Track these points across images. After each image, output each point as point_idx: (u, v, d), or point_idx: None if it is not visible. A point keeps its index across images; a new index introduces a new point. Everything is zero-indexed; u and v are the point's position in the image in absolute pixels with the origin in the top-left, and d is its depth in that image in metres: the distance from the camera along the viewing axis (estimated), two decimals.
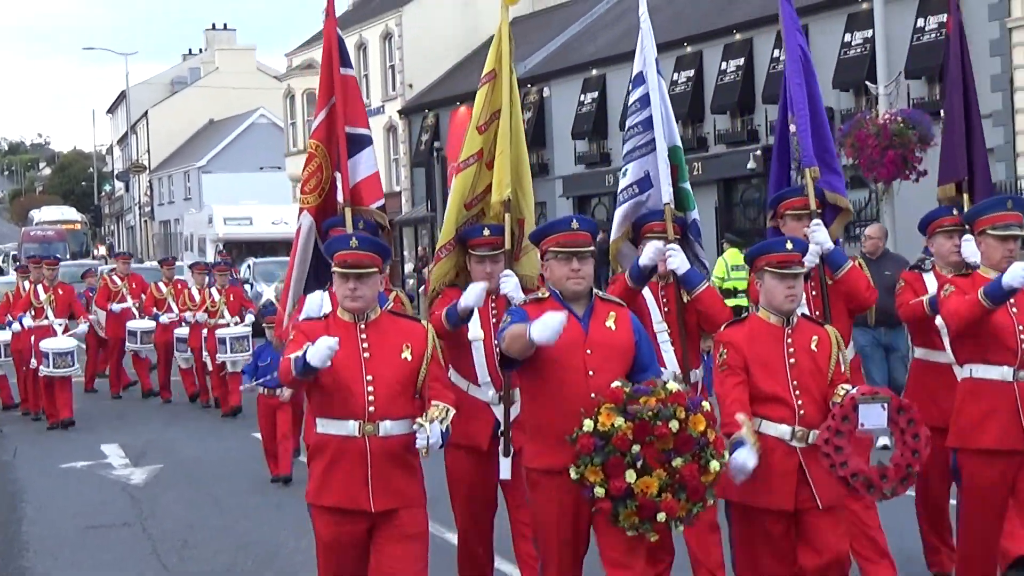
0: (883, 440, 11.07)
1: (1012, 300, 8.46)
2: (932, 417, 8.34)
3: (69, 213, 79.24)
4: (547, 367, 7.26)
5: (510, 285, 8.62)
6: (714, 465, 6.92)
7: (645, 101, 9.77)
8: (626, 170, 9.89)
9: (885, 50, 29.81)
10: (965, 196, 10.23)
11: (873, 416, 7.42)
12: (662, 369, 8.06)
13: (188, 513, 15.02)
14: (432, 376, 7.41)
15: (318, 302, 8.78)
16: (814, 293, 9.59)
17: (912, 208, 27.49)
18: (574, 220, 7.73)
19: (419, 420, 7.05)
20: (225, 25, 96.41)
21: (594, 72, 47.85)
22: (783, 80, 10.83)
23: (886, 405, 7.49)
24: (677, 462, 6.79)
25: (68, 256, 56.79)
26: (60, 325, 21.60)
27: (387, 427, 7.21)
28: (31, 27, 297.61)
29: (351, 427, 7.20)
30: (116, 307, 25.17)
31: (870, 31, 32.77)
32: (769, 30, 39.37)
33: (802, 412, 7.68)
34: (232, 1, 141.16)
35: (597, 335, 7.40)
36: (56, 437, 20.35)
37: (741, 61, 41.46)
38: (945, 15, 34.93)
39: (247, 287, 34.81)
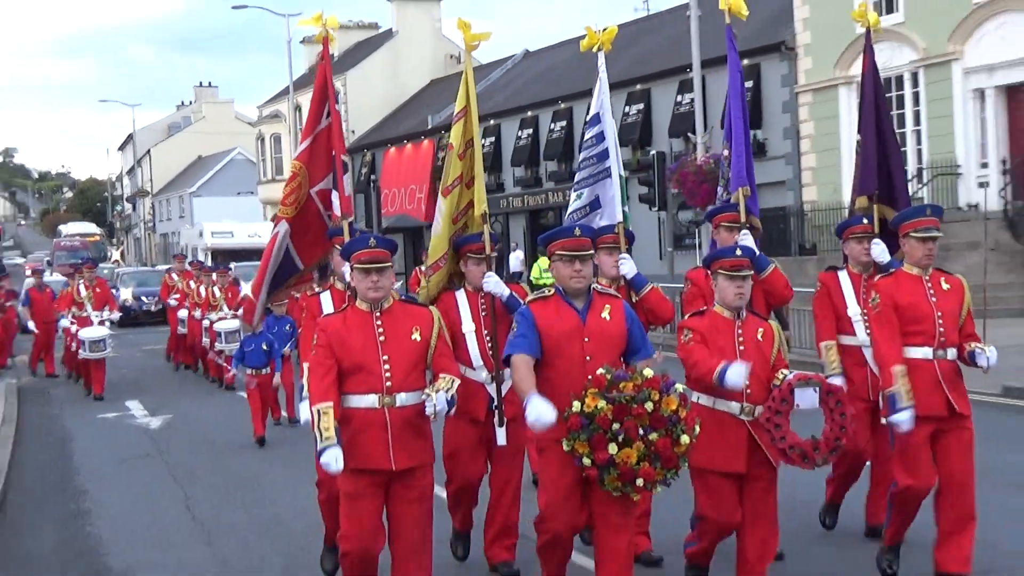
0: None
1: (932, 291, 7.96)
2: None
3: (90, 227, 78.66)
4: (552, 354, 6.84)
5: (491, 283, 8.19)
6: (684, 439, 6.53)
7: (600, 138, 9.22)
8: (581, 194, 9.39)
9: (702, 109, 30.29)
10: (875, 207, 9.48)
11: (807, 398, 7.09)
12: (654, 349, 7.45)
13: (193, 450, 15.35)
14: (439, 352, 6.98)
15: (327, 302, 8.33)
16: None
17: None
18: (577, 228, 7.19)
19: (427, 391, 6.73)
20: (210, 83, 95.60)
21: (492, 122, 47.56)
22: (727, 113, 10.13)
23: (818, 389, 7.16)
24: (652, 436, 6.42)
25: (90, 260, 56.53)
26: (97, 317, 20.92)
27: (402, 398, 6.78)
28: (60, 84, 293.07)
29: (372, 400, 6.77)
30: (172, 302, 24.27)
31: (692, 94, 32.56)
32: (669, 82, 40.19)
33: (749, 392, 7.29)
34: (215, 64, 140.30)
35: (594, 325, 6.94)
36: (91, 397, 20.34)
37: (641, 105, 41.64)
38: (750, 81, 36.01)
39: None
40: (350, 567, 6.98)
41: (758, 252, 8.84)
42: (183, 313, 23.46)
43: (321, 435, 6.56)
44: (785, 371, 7.36)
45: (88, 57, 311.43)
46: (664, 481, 6.58)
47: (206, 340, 21.49)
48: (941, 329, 7.80)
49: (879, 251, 8.98)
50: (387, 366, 6.70)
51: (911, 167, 29.62)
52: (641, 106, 39.71)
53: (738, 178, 9.47)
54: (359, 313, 6.92)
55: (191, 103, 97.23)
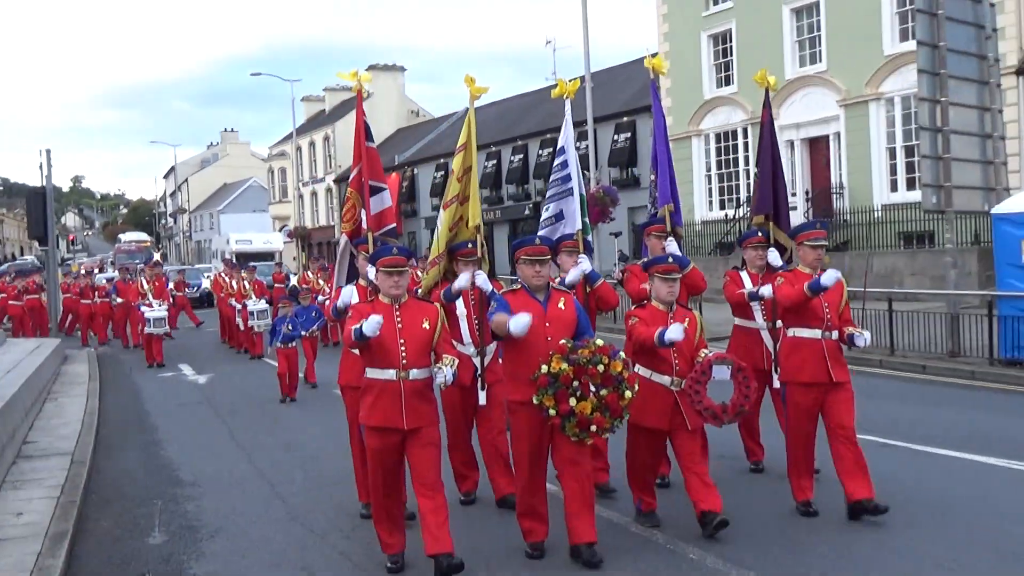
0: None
1: None
2: (748, 363, 7.65)
3: (143, 236, 77.45)
4: (521, 336, 6.51)
5: (481, 279, 7.74)
6: (628, 394, 6.39)
7: (565, 165, 8.89)
8: (548, 207, 9.02)
9: (594, 152, 30.09)
10: (771, 224, 9.23)
11: (722, 372, 6.94)
12: (593, 332, 7.08)
13: (232, 398, 15.37)
14: (442, 339, 6.63)
15: (350, 292, 7.84)
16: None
17: (607, 238, 29.11)
18: (536, 238, 7.02)
19: (437, 365, 6.43)
20: (232, 128, 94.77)
21: (443, 160, 47.51)
22: (652, 146, 9.60)
23: (730, 365, 6.99)
24: (603, 392, 6.30)
25: (143, 261, 56.03)
26: (157, 304, 20.67)
27: (414, 373, 6.47)
28: (118, 128, 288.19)
29: (391, 374, 6.44)
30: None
31: (587, 141, 31.82)
32: (540, 139, 40.64)
33: (678, 367, 7.09)
34: (235, 113, 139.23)
35: (553, 313, 6.73)
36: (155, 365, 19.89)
37: (521, 156, 42.57)
38: (628, 133, 36.66)
39: None
40: (380, 509, 6.72)
41: (680, 254, 8.62)
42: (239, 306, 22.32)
43: (359, 324, 6.26)
44: (705, 350, 7.19)
45: (138, 107, 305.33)
46: (611, 429, 6.44)
47: (240, 320, 21.24)
48: (828, 316, 7.57)
49: (773, 257, 8.87)
50: (403, 348, 6.44)
51: (743, 196, 30.41)
52: (551, 149, 39.37)
53: (663, 197, 9.14)
54: (383, 305, 6.60)
55: (217, 144, 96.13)
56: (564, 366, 6.29)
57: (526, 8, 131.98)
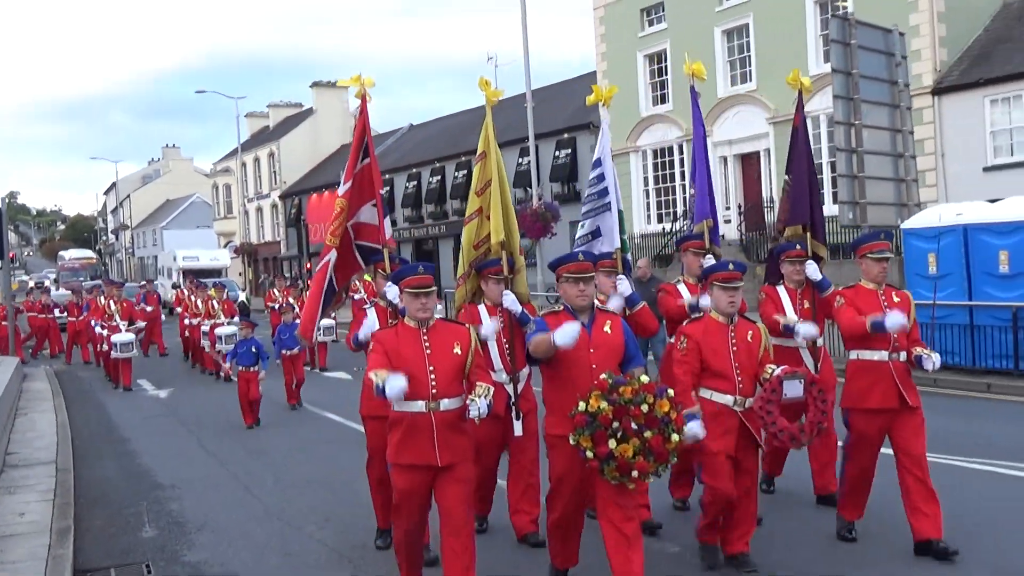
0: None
1: (886, 302, 7.10)
2: None
3: (87, 253, 77.00)
4: (563, 363, 5.97)
5: (508, 300, 7.26)
6: (674, 437, 5.72)
7: (601, 178, 8.28)
8: (584, 224, 8.38)
9: (536, 169, 31.22)
10: (808, 235, 8.70)
11: (793, 388, 6.33)
12: (643, 359, 6.45)
13: (195, 411, 15.98)
14: (475, 364, 6.04)
15: (372, 322, 7.43)
16: (807, 304, 8.30)
17: (552, 252, 30.05)
18: (580, 254, 6.29)
19: (471, 397, 5.74)
20: (174, 144, 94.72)
21: (387, 175, 47.27)
22: (693, 159, 9.17)
23: (802, 380, 6.37)
24: (647, 434, 5.63)
25: (88, 278, 56.03)
26: (124, 325, 19.79)
27: (446, 403, 5.87)
28: (56, 142, 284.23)
29: (419, 405, 5.83)
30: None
31: (529, 158, 32.64)
32: (512, 149, 41.49)
33: (741, 385, 6.54)
34: (176, 127, 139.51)
35: (598, 338, 6.07)
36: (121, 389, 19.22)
37: (465, 171, 43.30)
38: (569, 149, 37.84)
39: None
40: (402, 549, 6.28)
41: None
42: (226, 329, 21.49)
43: (380, 379, 5.67)
44: (772, 366, 6.58)
45: (75, 121, 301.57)
46: (656, 473, 5.82)
47: (205, 342, 20.47)
48: (895, 336, 7.00)
49: (812, 270, 8.29)
50: (433, 376, 5.87)
51: (679, 210, 31.69)
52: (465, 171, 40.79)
53: (701, 212, 8.70)
54: (408, 329, 6.05)
55: (159, 159, 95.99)
56: (603, 405, 5.68)
57: (467, 23, 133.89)
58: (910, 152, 18.14)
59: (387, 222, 8.07)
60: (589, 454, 5.70)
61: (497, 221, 7.57)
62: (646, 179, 33.75)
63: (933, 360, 6.87)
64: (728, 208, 30.56)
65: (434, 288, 6.08)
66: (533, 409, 7.55)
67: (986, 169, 23.86)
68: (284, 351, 15.52)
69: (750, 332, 6.72)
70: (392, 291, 7.16)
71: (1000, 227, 14.70)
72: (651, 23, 33.11)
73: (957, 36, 25.49)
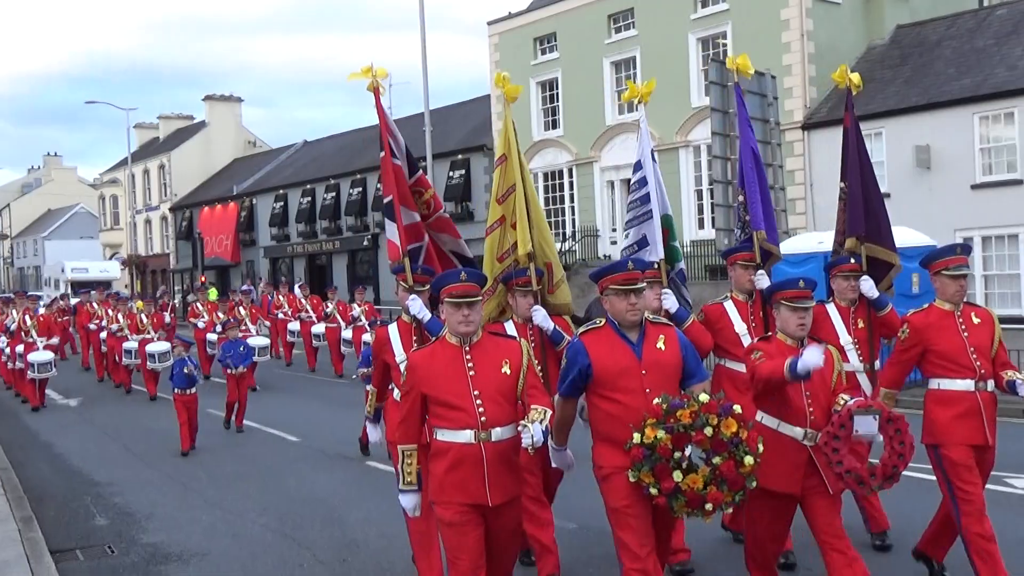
0: None
1: (964, 325, 6.38)
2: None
3: None
4: (610, 390, 5.25)
5: (539, 316, 6.72)
6: (748, 459, 5.04)
7: (643, 182, 7.61)
8: (628, 234, 7.75)
9: (436, 189, 32.93)
10: (863, 246, 7.69)
11: (866, 425, 5.51)
12: (707, 372, 5.83)
13: (110, 417, 16.59)
14: (529, 384, 5.30)
15: (394, 334, 6.87)
16: (861, 324, 7.45)
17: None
18: (630, 262, 5.48)
19: (523, 422, 5.01)
20: (56, 153, 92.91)
21: (281, 191, 48.63)
22: (739, 163, 8.30)
23: (877, 416, 5.54)
24: (716, 460, 5.01)
25: None
26: (42, 342, 18.47)
27: (498, 433, 5.16)
28: None
29: (468, 435, 5.14)
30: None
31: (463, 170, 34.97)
32: (378, 173, 42.44)
33: (812, 416, 5.68)
34: (58, 134, 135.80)
35: (650, 358, 5.31)
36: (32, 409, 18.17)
37: (360, 189, 44.37)
38: (463, 170, 39.15)
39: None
40: None
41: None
42: (103, 334, 21.59)
43: (403, 478, 5.35)
44: (845, 396, 5.75)
45: None
46: (732, 502, 5.17)
47: (128, 360, 19.63)
48: (978, 361, 6.28)
49: (868, 287, 7.43)
50: (479, 401, 5.17)
51: (568, 231, 33.33)
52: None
53: (755, 222, 7.85)
54: (448, 347, 5.33)
55: (40, 168, 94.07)
56: (660, 434, 5.05)
57: (360, 40, 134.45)
58: (780, 184, 19.94)
59: (394, 229, 7.03)
60: (653, 491, 5.10)
61: (524, 230, 6.98)
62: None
63: None
64: (615, 229, 32.36)
65: (480, 298, 5.40)
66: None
67: None
68: (230, 370, 14.72)
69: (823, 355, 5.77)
70: (415, 304, 6.68)
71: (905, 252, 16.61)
72: (543, 52, 34.71)
73: (825, 76, 27.63)
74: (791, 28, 27.26)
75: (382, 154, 7.15)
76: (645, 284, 5.54)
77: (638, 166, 7.79)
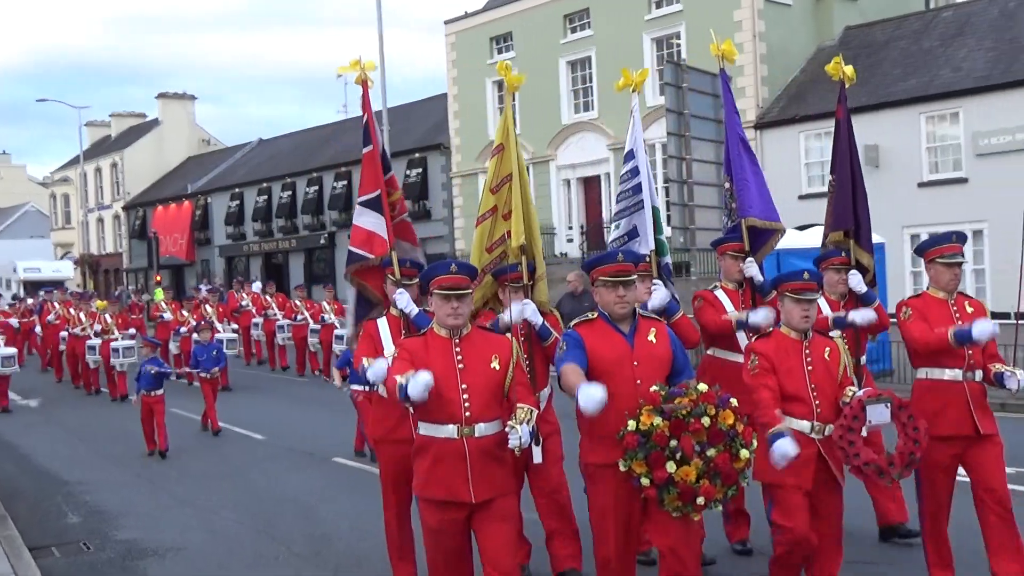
0: None
1: (958, 314, 6.27)
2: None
3: None
4: (602, 379, 5.04)
5: (529, 311, 6.52)
6: (744, 453, 4.98)
7: (635, 172, 7.47)
8: (618, 224, 7.59)
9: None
10: (852, 242, 7.59)
11: (878, 414, 5.45)
12: (693, 371, 5.71)
13: (75, 419, 16.52)
14: (517, 381, 5.23)
15: (382, 368, 5.94)
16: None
17: None
18: (620, 254, 5.42)
19: (510, 423, 4.94)
20: (3, 151, 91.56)
21: (237, 189, 48.56)
22: (725, 149, 8.13)
23: (889, 404, 5.48)
24: (711, 452, 4.90)
25: None
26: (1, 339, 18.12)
27: (481, 428, 5.09)
28: None
29: (451, 430, 5.07)
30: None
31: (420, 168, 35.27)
32: (334, 172, 42.83)
33: (819, 409, 5.63)
34: (8, 132, 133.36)
35: (642, 349, 5.28)
36: None
37: (316, 187, 44.34)
38: (420, 168, 39.36)
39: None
40: None
41: (763, 276, 7.48)
42: (64, 333, 21.19)
43: (404, 378, 4.94)
44: (852, 388, 5.72)
45: None
46: (724, 499, 5.07)
47: (91, 358, 19.31)
48: (970, 352, 6.18)
49: (856, 281, 7.43)
50: (466, 395, 5.10)
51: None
52: (345, 182, 41.43)
53: (743, 208, 7.67)
54: (438, 339, 5.26)
55: None
56: (657, 421, 4.93)
57: (314, 36, 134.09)
58: None
59: (380, 223, 7.09)
60: (645, 481, 4.96)
61: (518, 221, 6.83)
62: None
63: (1018, 378, 6.02)
64: (571, 228, 32.76)
65: (469, 290, 5.35)
66: (555, 432, 6.85)
67: (801, 197, 26.56)
68: (203, 374, 14.51)
69: (827, 349, 5.85)
70: (403, 298, 6.62)
71: (807, 252, 16.97)
72: (500, 51, 35.01)
73: (777, 76, 28.27)
74: (743, 29, 27.78)
75: (369, 148, 7.13)
76: (636, 277, 5.48)
77: (630, 155, 7.67)
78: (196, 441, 14.08)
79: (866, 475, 5.52)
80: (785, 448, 5.20)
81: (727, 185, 8.06)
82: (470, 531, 5.27)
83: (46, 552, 8.63)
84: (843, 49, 28.50)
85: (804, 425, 5.65)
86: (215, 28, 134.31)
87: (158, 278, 40.96)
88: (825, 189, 26.61)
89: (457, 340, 5.26)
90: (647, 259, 7.22)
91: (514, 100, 7.43)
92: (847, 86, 7.88)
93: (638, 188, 7.48)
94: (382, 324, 6.73)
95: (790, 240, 17.77)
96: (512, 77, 7.20)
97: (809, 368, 5.74)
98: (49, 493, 11.03)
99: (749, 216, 7.68)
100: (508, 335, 5.52)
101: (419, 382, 4.84)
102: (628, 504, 5.21)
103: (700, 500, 4.94)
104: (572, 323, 5.49)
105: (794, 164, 26.89)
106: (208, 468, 12.07)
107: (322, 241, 42.83)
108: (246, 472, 11.74)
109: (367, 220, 7.13)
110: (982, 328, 5.82)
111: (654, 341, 5.38)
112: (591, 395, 4.83)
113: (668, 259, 7.62)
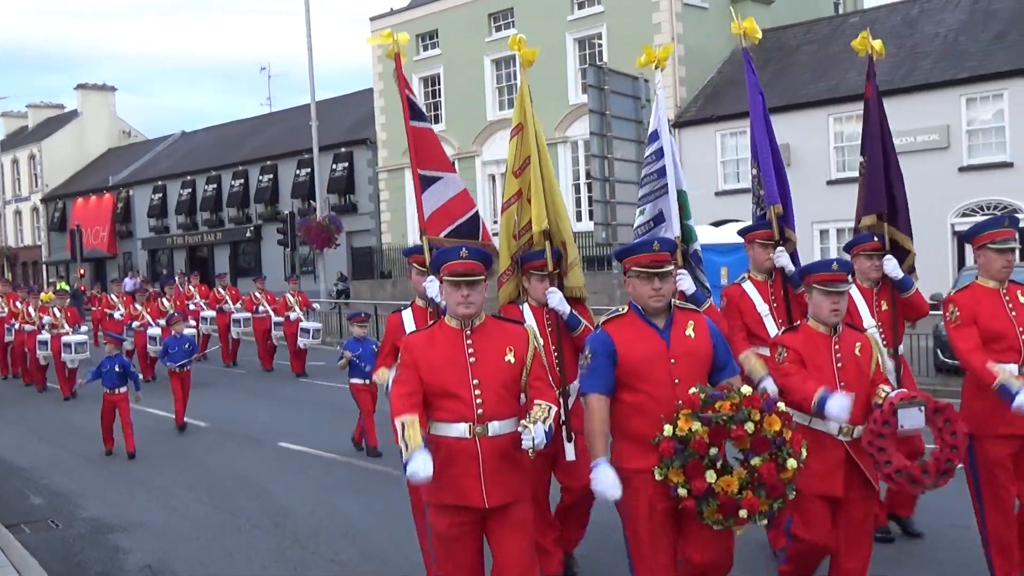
0: None
1: (1011, 304, 5.84)
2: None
3: None
4: (636, 380, 4.76)
5: (555, 299, 6.27)
6: (791, 463, 4.55)
7: (659, 154, 7.06)
8: (643, 210, 7.13)
9: (318, 181, 33.63)
10: (886, 225, 7.21)
11: (911, 418, 5.06)
12: (738, 367, 5.27)
13: (20, 409, 16.79)
14: (534, 375, 4.82)
15: (409, 319, 6.37)
16: (884, 306, 7.09)
17: (335, 263, 31.65)
18: (656, 242, 4.94)
19: (523, 422, 4.59)
20: None
21: (160, 182, 48.60)
22: (751, 134, 7.55)
23: (923, 407, 5.09)
24: (755, 461, 4.52)
25: None
26: None
27: (495, 427, 4.69)
28: None
29: (462, 429, 4.68)
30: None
31: (308, 169, 36.10)
32: (290, 160, 43.16)
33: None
34: None
35: (679, 346, 4.81)
36: None
37: (242, 180, 44.65)
38: (346, 162, 39.91)
39: None
40: None
41: (794, 266, 7.05)
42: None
43: (407, 445, 4.50)
44: (886, 387, 5.32)
45: None
46: (769, 512, 4.62)
47: (43, 353, 18.58)
48: None
49: (891, 267, 7.04)
50: (477, 391, 4.72)
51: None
52: (271, 175, 41.93)
53: (771, 195, 7.23)
54: (448, 331, 4.88)
55: None
56: (696, 426, 4.56)
57: (236, 25, 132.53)
58: None
59: (436, 199, 6.82)
60: (682, 491, 4.58)
61: (539, 206, 6.49)
62: None
63: None
64: (495, 222, 33.54)
65: (482, 276, 4.91)
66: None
67: (718, 193, 27.85)
68: (174, 367, 14.16)
69: (858, 344, 5.46)
70: (433, 287, 6.18)
71: (721, 248, 18.15)
72: (426, 48, 35.78)
73: (695, 77, 29.51)
74: (663, 31, 28.96)
75: (413, 123, 6.88)
76: (672, 268, 5.00)
77: (654, 136, 7.29)
78: (140, 428, 14.52)
79: (897, 483, 5.16)
80: (839, 402, 4.95)
81: (754, 172, 7.64)
82: (482, 547, 4.92)
83: (17, 530, 9.20)
84: (757, 52, 29.84)
85: (832, 426, 5.29)
86: (135, 15, 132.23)
87: (82, 272, 40.88)
88: (740, 186, 28.00)
89: (469, 331, 4.87)
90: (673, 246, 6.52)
91: (519, 88, 7.02)
92: (875, 61, 7.44)
93: (662, 171, 7.09)
94: (407, 316, 6.51)
95: (704, 237, 18.96)
96: (526, 51, 6.80)
97: (839, 365, 5.38)
98: (7, 478, 11.53)
99: (777, 204, 7.26)
100: (525, 325, 5.10)
101: (418, 472, 4.43)
102: (664, 511, 4.78)
103: (743, 513, 4.54)
104: (602, 320, 5.06)
105: (711, 162, 28.16)
106: (157, 451, 12.61)
107: (248, 234, 43.24)
108: (195, 454, 12.35)
109: (428, 200, 6.78)
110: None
111: (693, 336, 4.91)
112: (607, 486, 4.65)
113: (698, 245, 7.16)
